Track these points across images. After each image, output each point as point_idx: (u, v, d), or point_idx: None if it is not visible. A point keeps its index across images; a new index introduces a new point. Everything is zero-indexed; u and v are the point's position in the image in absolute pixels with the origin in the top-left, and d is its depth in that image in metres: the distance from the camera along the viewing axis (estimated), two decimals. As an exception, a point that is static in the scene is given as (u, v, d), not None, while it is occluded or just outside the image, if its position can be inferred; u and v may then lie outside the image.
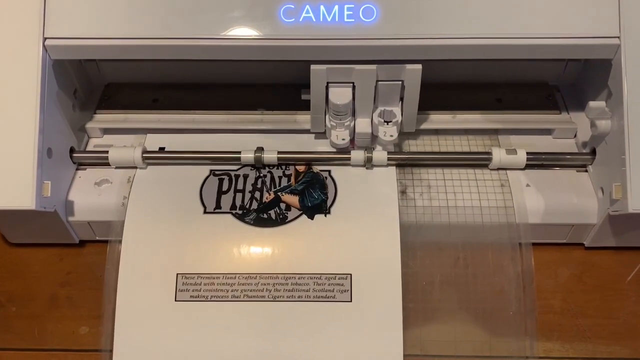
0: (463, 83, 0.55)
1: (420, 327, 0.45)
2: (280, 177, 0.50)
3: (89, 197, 0.49)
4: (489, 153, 0.50)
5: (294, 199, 0.48)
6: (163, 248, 0.46)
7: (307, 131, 0.52)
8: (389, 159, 0.50)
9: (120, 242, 0.46)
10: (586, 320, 0.47)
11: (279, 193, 0.49)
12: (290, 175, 0.50)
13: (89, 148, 0.53)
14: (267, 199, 0.48)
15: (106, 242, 0.47)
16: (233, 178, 0.49)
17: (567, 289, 0.48)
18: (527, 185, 0.49)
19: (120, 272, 0.45)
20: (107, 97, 0.56)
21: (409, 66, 0.46)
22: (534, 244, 0.46)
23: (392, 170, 0.50)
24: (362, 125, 0.49)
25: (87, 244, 0.52)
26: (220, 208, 0.48)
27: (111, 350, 0.44)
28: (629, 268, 0.50)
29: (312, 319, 0.44)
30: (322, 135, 0.52)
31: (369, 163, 0.50)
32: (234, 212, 0.48)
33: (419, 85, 0.47)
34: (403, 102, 0.48)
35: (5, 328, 0.47)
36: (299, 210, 0.48)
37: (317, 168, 0.50)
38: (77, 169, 0.51)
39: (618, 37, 0.44)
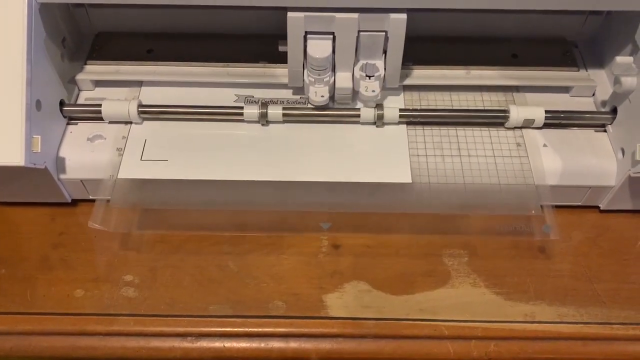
0: (477, 37, 0.52)
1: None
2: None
3: (81, 153, 0.46)
4: (506, 111, 0.47)
5: None
6: None
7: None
8: (400, 116, 0.47)
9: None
10: (601, 285, 0.45)
11: None
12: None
13: (80, 101, 0.50)
14: None
15: (101, 201, 0.45)
16: None
17: (581, 253, 0.47)
18: (544, 145, 0.47)
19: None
20: (98, 47, 0.52)
21: (393, 15, 0.43)
22: (547, 207, 0.45)
23: (403, 128, 0.48)
24: (343, 79, 0.46)
25: (79, 203, 0.49)
26: None
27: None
28: (645, 232, 0.48)
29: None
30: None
31: (379, 120, 0.47)
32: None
33: (403, 36, 0.44)
34: (386, 55, 0.46)
35: (-5, 291, 0.45)
36: None
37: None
38: (67, 124, 0.48)
39: (650, -13, 0.41)
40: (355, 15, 0.42)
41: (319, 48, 0.44)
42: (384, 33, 0.44)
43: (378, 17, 0.43)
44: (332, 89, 0.46)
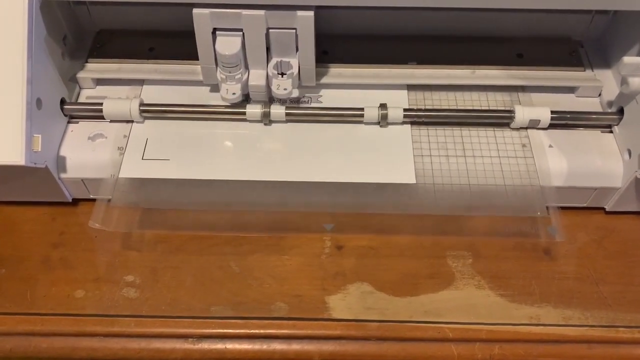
0: (482, 37, 0.52)
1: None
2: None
3: (82, 152, 0.46)
4: (511, 111, 0.47)
5: None
6: None
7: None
8: (404, 116, 0.47)
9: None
10: (607, 287, 0.45)
11: None
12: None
13: (81, 100, 0.50)
14: None
15: (102, 201, 0.44)
16: None
17: (586, 255, 0.46)
18: (550, 146, 0.46)
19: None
20: (99, 45, 0.52)
21: (300, 13, 0.42)
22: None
23: (407, 128, 0.47)
24: (256, 77, 0.46)
25: (80, 203, 0.49)
26: None
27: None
28: (651, 233, 0.48)
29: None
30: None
31: (383, 120, 0.47)
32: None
33: (312, 34, 0.44)
34: (298, 52, 0.45)
35: (-6, 291, 0.44)
36: None
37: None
38: (68, 122, 0.48)
39: (659, -14, 0.41)
40: (261, 12, 0.42)
41: (227, 45, 0.43)
42: (294, 30, 0.43)
43: (285, 15, 0.42)
44: (246, 86, 0.46)
